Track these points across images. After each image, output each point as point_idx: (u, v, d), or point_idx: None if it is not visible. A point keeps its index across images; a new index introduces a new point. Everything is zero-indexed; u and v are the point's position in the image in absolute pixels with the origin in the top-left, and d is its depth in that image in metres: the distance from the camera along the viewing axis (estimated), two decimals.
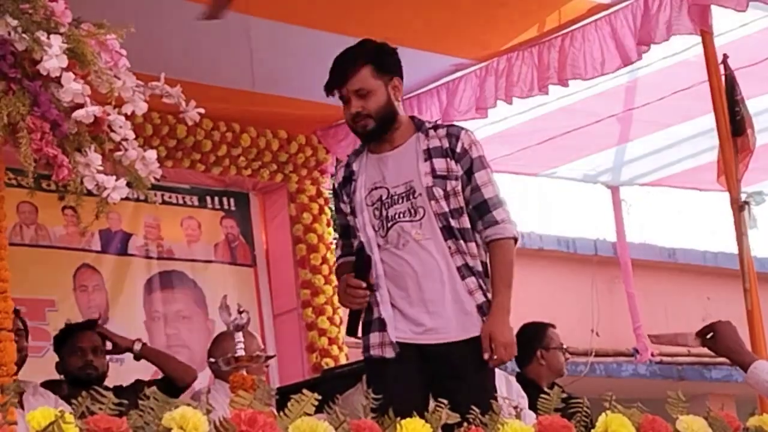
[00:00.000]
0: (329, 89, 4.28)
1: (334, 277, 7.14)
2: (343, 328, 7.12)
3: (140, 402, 2.66)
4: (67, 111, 2.64)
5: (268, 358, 5.20)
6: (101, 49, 2.72)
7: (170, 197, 7.03)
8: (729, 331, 3.70)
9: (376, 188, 4.04)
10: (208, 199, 7.22)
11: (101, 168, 2.69)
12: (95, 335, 5.40)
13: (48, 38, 2.60)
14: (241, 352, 4.50)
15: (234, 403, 2.81)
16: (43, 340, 5.97)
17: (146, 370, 5.79)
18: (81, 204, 2.79)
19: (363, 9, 5.73)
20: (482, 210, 3.99)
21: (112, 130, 2.69)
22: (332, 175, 4.17)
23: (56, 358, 5.44)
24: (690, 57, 6.07)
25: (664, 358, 9.85)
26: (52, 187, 3.27)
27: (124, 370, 5.88)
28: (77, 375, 5.22)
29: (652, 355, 9.08)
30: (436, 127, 4.16)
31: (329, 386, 5.39)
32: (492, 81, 6.31)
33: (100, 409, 2.59)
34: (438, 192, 3.96)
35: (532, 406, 4.37)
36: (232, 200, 7.30)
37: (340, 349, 7.10)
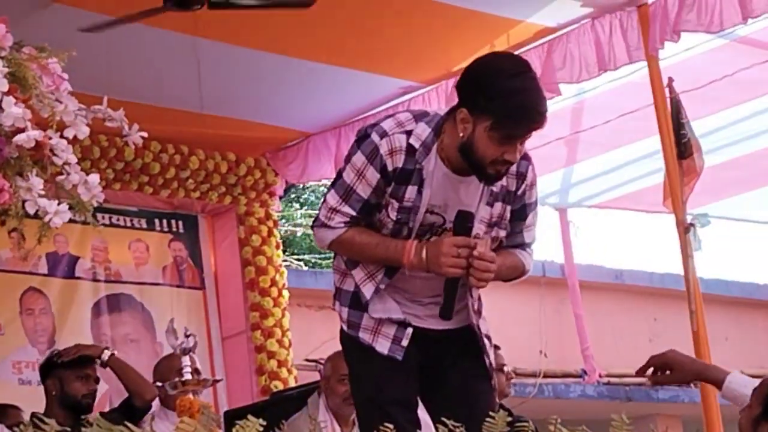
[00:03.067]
0: (529, 130, 3.47)
1: (282, 300, 7.14)
2: (292, 351, 7.16)
3: (83, 429, 2.63)
4: (8, 135, 2.62)
5: (216, 381, 5.17)
6: (43, 73, 2.71)
7: (118, 220, 6.99)
8: (682, 356, 3.62)
9: (434, 212, 3.58)
10: (157, 221, 7.18)
11: (43, 192, 2.67)
12: (96, 366, 5.35)
13: None
14: (188, 376, 4.47)
15: (178, 430, 2.79)
16: None
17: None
18: (24, 228, 2.77)
19: (310, 31, 5.74)
20: (515, 248, 3.71)
21: (54, 154, 2.67)
22: (379, 135, 3.50)
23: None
24: (636, 78, 6.13)
25: (612, 379, 9.90)
26: None
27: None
28: (79, 401, 5.15)
29: (600, 375, 9.14)
30: None
31: (278, 409, 5.39)
32: (443, 103, 6.33)
33: None
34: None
35: None
36: (180, 223, 7.28)
37: (289, 371, 7.08)
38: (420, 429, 3.43)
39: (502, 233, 3.63)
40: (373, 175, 3.50)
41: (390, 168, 3.49)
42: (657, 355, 3.53)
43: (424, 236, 3.58)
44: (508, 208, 3.62)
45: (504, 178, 3.54)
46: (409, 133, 3.50)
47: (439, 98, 6.35)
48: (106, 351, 5.35)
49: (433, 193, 3.53)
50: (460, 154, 3.46)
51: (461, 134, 3.43)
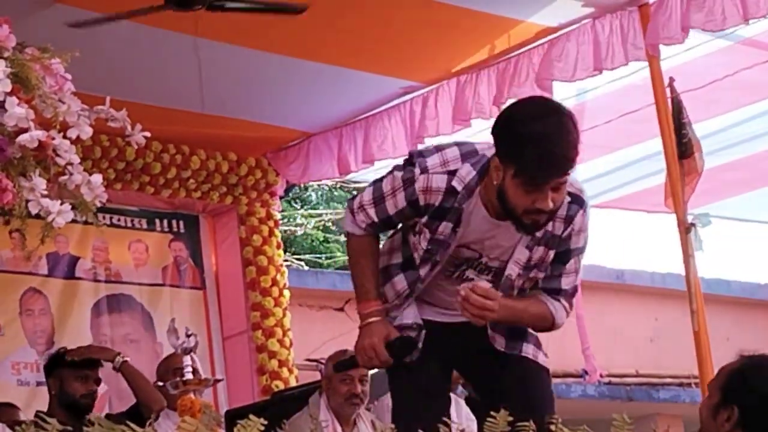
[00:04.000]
0: (553, 177, 3.30)
1: (283, 300, 7.15)
2: (293, 351, 7.16)
3: (84, 428, 2.63)
4: (11, 135, 2.62)
5: (217, 381, 5.18)
6: (46, 74, 2.71)
7: (119, 220, 6.99)
8: None
9: (469, 248, 3.52)
10: (157, 221, 7.18)
11: (46, 192, 2.67)
12: (99, 368, 5.35)
13: None
14: (189, 376, 4.47)
15: (180, 429, 2.79)
16: None
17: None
18: (26, 228, 2.78)
19: (311, 32, 5.75)
20: (550, 292, 3.59)
21: (57, 155, 2.67)
22: (420, 169, 3.40)
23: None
24: (637, 80, 6.13)
25: (613, 379, 9.91)
26: None
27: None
28: (77, 401, 5.16)
29: (601, 375, 9.14)
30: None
31: (279, 409, 5.39)
32: (444, 103, 6.34)
33: None
34: (518, 282, 3.54)
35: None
36: (181, 223, 7.28)
37: (290, 371, 7.09)
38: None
39: (541, 275, 3.54)
40: (401, 201, 3.49)
41: (421, 203, 3.45)
42: None
43: (459, 268, 3.55)
44: (552, 252, 3.49)
45: (550, 223, 3.41)
46: (452, 173, 3.41)
47: (440, 99, 6.35)
48: (119, 357, 5.37)
49: (469, 232, 3.47)
50: (497, 201, 3.38)
51: (495, 182, 3.35)
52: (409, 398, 3.65)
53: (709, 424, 3.10)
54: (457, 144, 3.52)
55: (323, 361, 8.05)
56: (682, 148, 5.54)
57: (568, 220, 3.46)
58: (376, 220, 3.55)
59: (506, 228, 3.44)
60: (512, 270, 3.48)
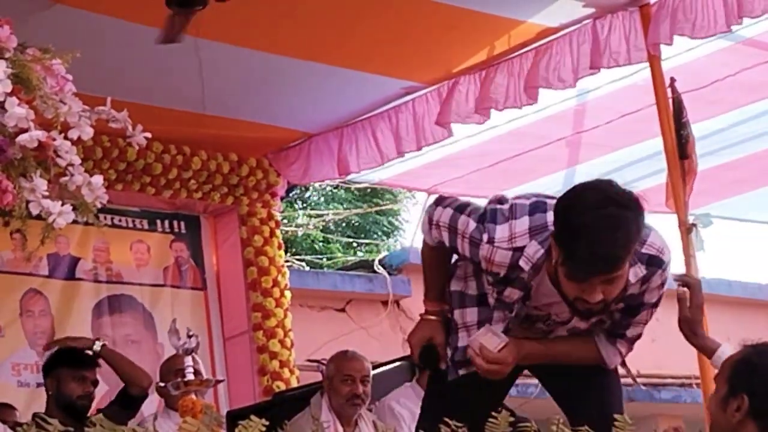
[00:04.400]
0: (593, 274, 3.16)
1: (284, 300, 7.15)
2: (294, 351, 7.16)
3: (86, 429, 2.63)
4: (11, 136, 2.62)
5: (218, 382, 5.18)
6: (47, 74, 2.71)
7: (120, 220, 6.99)
8: (695, 314, 3.58)
9: (538, 308, 3.47)
10: (158, 222, 7.18)
11: (47, 193, 2.67)
12: (97, 369, 5.34)
13: None
14: (190, 377, 4.47)
15: (181, 430, 2.79)
16: None
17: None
18: (27, 229, 2.77)
19: (311, 32, 5.75)
20: (611, 335, 3.54)
21: (58, 155, 2.66)
22: (487, 238, 3.33)
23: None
24: (638, 81, 6.13)
25: None
26: None
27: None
28: (73, 402, 5.15)
29: None
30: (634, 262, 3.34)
31: (280, 410, 5.40)
32: (441, 105, 6.33)
33: None
34: (578, 329, 3.53)
35: None
36: (182, 223, 7.28)
37: (292, 372, 7.09)
38: None
39: (608, 321, 3.50)
40: (466, 250, 3.43)
41: (484, 267, 3.41)
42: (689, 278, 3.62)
43: (528, 320, 3.50)
44: (622, 305, 3.40)
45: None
46: (518, 251, 3.31)
47: (441, 99, 6.35)
48: (97, 342, 5.33)
49: (538, 299, 3.41)
50: (552, 282, 3.31)
51: (553, 260, 3.26)
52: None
53: (720, 417, 3.09)
54: (530, 214, 3.36)
55: (324, 362, 8.07)
56: (682, 148, 5.55)
57: (645, 280, 3.37)
58: (447, 244, 3.51)
59: None
60: (580, 324, 3.47)
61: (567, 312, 3.43)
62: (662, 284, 3.43)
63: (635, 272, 3.32)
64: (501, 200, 3.46)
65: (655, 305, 3.48)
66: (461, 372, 3.60)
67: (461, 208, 3.48)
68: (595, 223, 3.10)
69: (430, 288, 3.72)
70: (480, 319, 3.57)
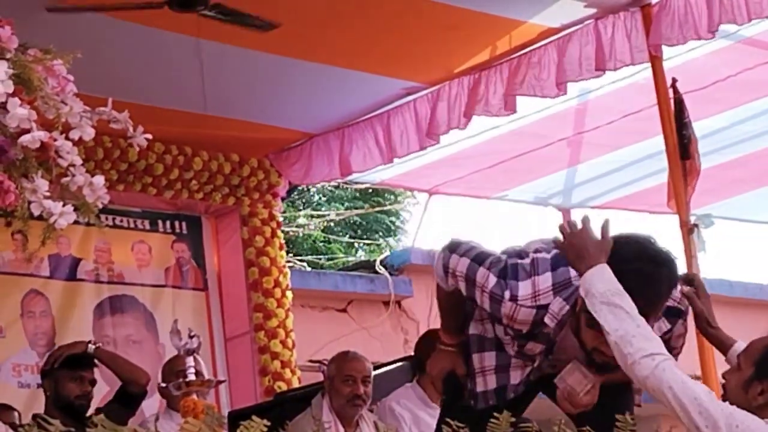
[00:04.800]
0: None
1: (286, 301, 7.15)
2: (296, 352, 7.16)
3: (87, 430, 2.63)
4: (13, 137, 2.62)
5: (219, 382, 5.17)
6: (48, 75, 2.71)
7: (121, 221, 6.99)
8: (708, 309, 3.55)
9: (562, 360, 3.46)
10: (160, 222, 7.18)
11: (48, 194, 2.67)
12: (95, 369, 5.33)
13: None
14: (192, 377, 4.47)
15: (183, 430, 2.79)
16: None
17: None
18: (29, 229, 2.78)
19: (313, 33, 5.75)
20: None
21: (59, 156, 2.67)
22: (510, 295, 3.29)
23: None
24: (639, 79, 6.13)
25: None
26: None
27: None
28: (71, 402, 5.15)
29: None
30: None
31: (281, 410, 5.40)
32: (443, 105, 6.33)
33: None
34: None
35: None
36: (183, 224, 7.27)
37: (293, 372, 7.08)
38: None
39: None
40: (485, 304, 3.36)
41: (504, 323, 3.36)
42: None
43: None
44: None
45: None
46: (542, 308, 3.27)
47: (442, 99, 6.34)
48: (90, 345, 5.33)
49: (561, 352, 3.39)
50: (572, 330, 3.29)
51: (578, 307, 3.25)
52: None
53: (739, 396, 3.08)
54: (552, 269, 3.33)
55: (326, 362, 8.07)
56: (684, 148, 5.54)
57: (668, 332, 3.39)
58: (464, 294, 3.46)
59: None
60: None
61: None
62: (686, 331, 3.47)
63: (659, 327, 3.32)
64: (521, 254, 3.39)
65: (680, 350, 3.49)
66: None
67: (479, 259, 3.40)
68: (628, 278, 3.09)
69: (447, 322, 3.68)
70: (498, 363, 3.52)
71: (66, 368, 5.18)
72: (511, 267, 3.34)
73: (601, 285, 3.09)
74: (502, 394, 3.53)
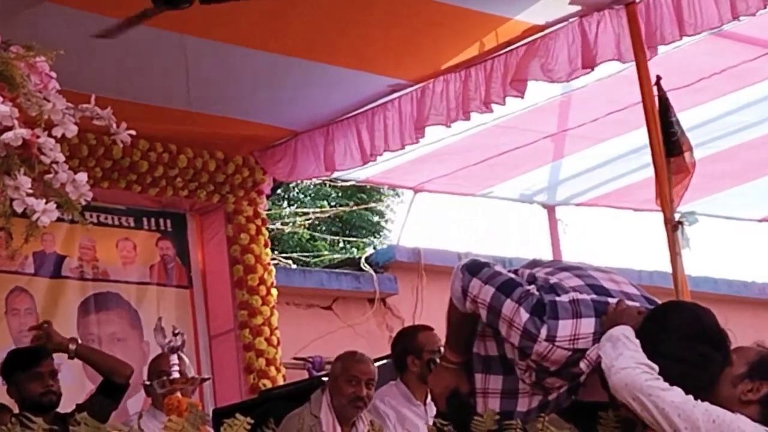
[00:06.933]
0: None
1: (271, 298, 7.14)
2: (281, 349, 7.16)
3: (71, 428, 2.63)
4: None
5: (203, 380, 5.16)
6: (31, 72, 2.70)
7: (106, 218, 6.97)
8: None
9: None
10: (145, 220, 7.17)
11: (31, 191, 2.66)
12: (51, 358, 5.29)
13: None
14: (176, 375, 4.47)
15: (167, 428, 2.79)
16: None
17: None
18: (12, 226, 2.76)
19: (299, 29, 5.74)
20: None
21: (42, 153, 2.66)
22: (546, 335, 3.12)
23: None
24: (623, 78, 6.13)
25: None
26: None
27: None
28: (38, 401, 5.10)
29: None
30: None
31: (267, 408, 5.38)
32: (428, 103, 6.33)
33: None
34: None
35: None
36: (168, 221, 7.26)
37: (278, 370, 7.08)
38: None
39: None
40: (513, 338, 3.19)
41: (533, 358, 3.17)
42: None
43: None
44: None
45: None
46: (578, 351, 3.12)
47: (428, 97, 6.34)
48: (71, 346, 5.27)
49: (588, 395, 3.24)
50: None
51: None
52: None
53: (725, 388, 3.09)
54: (596, 316, 3.17)
55: (311, 360, 8.07)
56: (670, 146, 5.55)
57: None
58: (484, 321, 3.29)
59: None
60: None
61: None
62: None
63: None
64: (555, 290, 3.22)
65: None
66: None
67: (506, 290, 3.22)
68: (685, 357, 3.04)
69: (453, 340, 3.52)
70: (504, 388, 3.40)
71: (21, 370, 5.13)
72: (549, 305, 3.15)
73: (618, 330, 3.08)
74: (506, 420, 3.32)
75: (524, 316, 3.13)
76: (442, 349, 3.70)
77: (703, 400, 2.98)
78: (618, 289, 3.29)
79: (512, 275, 3.30)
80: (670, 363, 3.01)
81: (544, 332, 3.10)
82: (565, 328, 3.11)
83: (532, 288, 3.23)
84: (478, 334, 3.45)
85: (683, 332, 3.08)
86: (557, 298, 3.17)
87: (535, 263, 3.46)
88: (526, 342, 3.13)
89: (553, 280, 3.27)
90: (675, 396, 2.94)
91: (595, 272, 3.35)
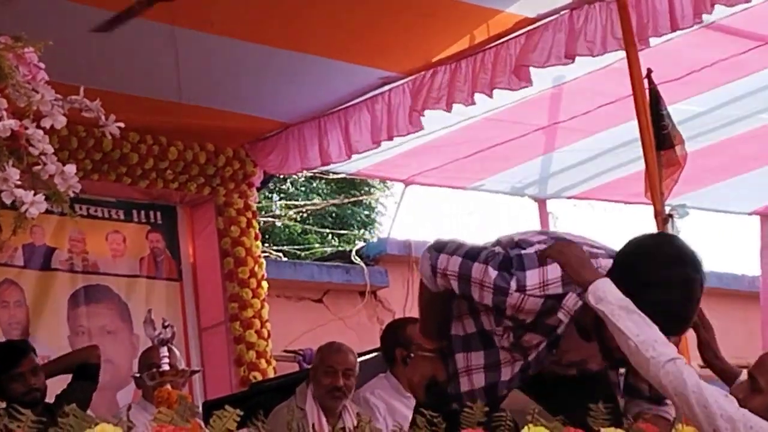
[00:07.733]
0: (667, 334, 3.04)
1: (261, 291, 7.14)
2: (271, 342, 7.15)
3: (59, 420, 2.61)
4: None
5: (193, 372, 5.16)
6: (19, 63, 2.69)
7: (96, 211, 6.96)
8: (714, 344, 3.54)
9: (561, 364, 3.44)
10: (135, 212, 7.16)
11: (20, 183, 2.65)
12: (31, 355, 5.27)
13: None
14: (165, 367, 4.47)
15: (156, 420, 2.78)
16: None
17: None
18: (0, 218, 2.76)
19: (289, 21, 5.73)
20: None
21: (31, 144, 2.65)
22: (516, 286, 3.20)
23: None
24: (614, 70, 6.13)
25: None
26: None
27: None
28: (22, 401, 5.08)
29: None
30: None
31: (257, 400, 5.38)
32: (420, 95, 6.32)
33: (18, 427, 2.54)
34: (590, 370, 3.52)
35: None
36: (158, 214, 7.25)
37: (268, 362, 7.08)
38: None
39: None
40: (486, 299, 3.26)
41: (508, 313, 3.25)
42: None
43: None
44: None
45: None
46: (550, 298, 3.19)
47: (419, 89, 6.33)
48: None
49: (563, 353, 3.33)
50: (594, 330, 3.19)
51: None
52: None
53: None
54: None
55: (301, 352, 8.07)
56: (661, 139, 5.55)
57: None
58: (457, 292, 3.35)
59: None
60: (593, 366, 3.43)
61: (594, 363, 3.36)
62: None
63: None
64: (520, 245, 3.31)
65: None
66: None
67: (471, 255, 3.31)
68: (671, 284, 3.06)
69: (427, 326, 3.57)
70: (486, 362, 3.45)
71: (3, 372, 5.11)
72: (515, 258, 3.24)
73: (613, 293, 3.04)
74: (492, 392, 3.45)
75: (493, 273, 3.22)
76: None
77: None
78: (583, 242, 3.33)
79: (475, 244, 3.38)
80: (655, 290, 3.03)
81: (514, 284, 3.19)
82: (533, 276, 3.19)
83: (497, 248, 3.33)
84: (455, 316, 3.51)
85: (662, 259, 3.10)
86: (522, 251, 3.26)
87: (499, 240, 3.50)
88: (499, 297, 3.22)
89: (517, 237, 3.37)
90: (715, 394, 2.91)
91: (566, 234, 3.42)
